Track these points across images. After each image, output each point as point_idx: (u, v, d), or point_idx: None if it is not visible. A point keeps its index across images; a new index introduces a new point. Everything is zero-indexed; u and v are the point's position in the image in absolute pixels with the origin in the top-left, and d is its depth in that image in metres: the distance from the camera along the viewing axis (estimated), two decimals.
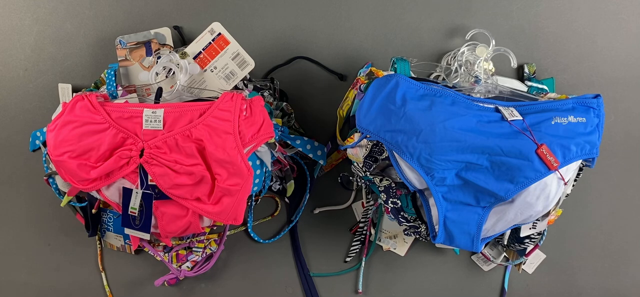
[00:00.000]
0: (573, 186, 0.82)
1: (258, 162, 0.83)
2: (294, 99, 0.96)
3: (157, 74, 0.86)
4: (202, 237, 0.95)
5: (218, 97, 0.77)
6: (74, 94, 0.82)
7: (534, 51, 0.96)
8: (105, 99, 0.81)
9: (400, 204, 0.85)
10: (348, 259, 1.00)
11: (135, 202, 0.80)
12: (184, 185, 0.77)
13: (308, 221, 1.00)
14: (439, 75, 0.93)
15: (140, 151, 0.77)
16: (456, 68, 0.88)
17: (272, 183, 0.93)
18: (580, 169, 0.80)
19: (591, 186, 0.98)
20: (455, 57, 0.90)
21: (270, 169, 0.86)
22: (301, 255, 1.00)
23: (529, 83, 0.91)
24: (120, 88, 0.85)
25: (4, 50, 0.96)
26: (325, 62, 0.96)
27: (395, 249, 0.99)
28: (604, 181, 0.99)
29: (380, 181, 0.83)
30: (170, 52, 0.87)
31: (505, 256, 0.95)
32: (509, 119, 0.74)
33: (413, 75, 0.84)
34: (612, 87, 0.97)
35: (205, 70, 0.87)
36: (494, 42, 0.86)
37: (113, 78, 0.85)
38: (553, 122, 0.74)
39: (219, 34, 0.87)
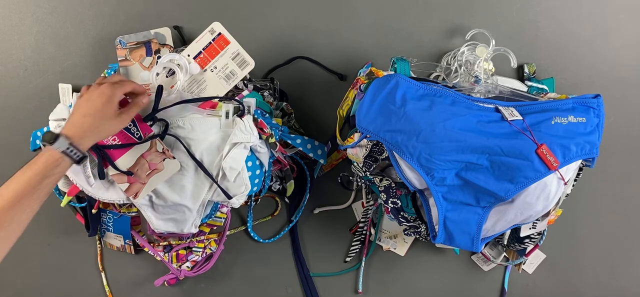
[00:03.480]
0: (573, 186, 0.82)
1: (258, 162, 0.83)
2: (294, 99, 0.96)
3: (157, 74, 0.86)
4: (202, 237, 0.95)
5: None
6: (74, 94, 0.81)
7: (534, 51, 0.96)
8: None
9: (400, 204, 0.85)
10: (348, 259, 1.00)
11: None
12: None
13: (308, 221, 1.00)
14: (439, 75, 0.92)
15: None
16: (456, 68, 0.88)
17: (272, 183, 0.93)
18: (580, 169, 0.80)
19: (591, 186, 0.98)
20: (455, 57, 0.90)
21: (269, 169, 0.86)
22: (301, 255, 1.00)
23: (529, 83, 0.91)
24: None
25: (4, 50, 0.96)
26: (325, 62, 0.96)
27: (395, 249, 0.99)
28: (604, 181, 0.99)
29: (380, 181, 0.83)
30: (172, 51, 0.87)
31: (505, 256, 0.95)
32: (509, 119, 0.74)
33: (413, 75, 0.84)
34: (612, 87, 0.97)
35: (205, 70, 0.87)
36: (494, 42, 0.86)
37: None
38: (553, 122, 0.74)
39: (219, 33, 0.87)
